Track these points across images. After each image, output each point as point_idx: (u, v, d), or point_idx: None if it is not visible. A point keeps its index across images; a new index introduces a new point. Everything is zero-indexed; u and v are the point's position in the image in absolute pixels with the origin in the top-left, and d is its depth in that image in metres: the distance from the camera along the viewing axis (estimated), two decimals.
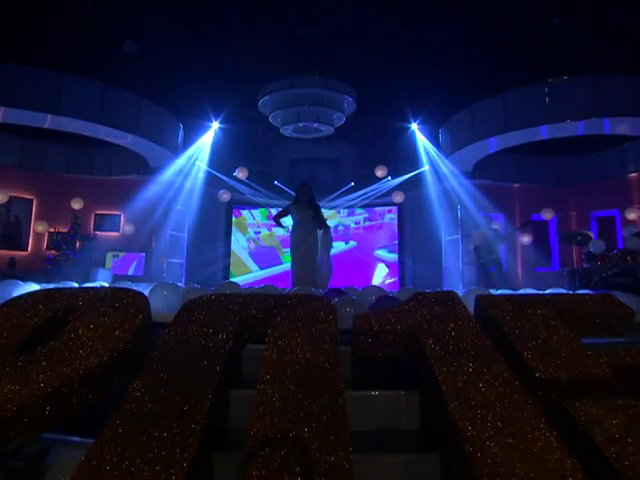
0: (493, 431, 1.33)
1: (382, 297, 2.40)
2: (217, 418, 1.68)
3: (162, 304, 2.60)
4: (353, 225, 12.41)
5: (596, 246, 6.41)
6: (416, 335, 1.91)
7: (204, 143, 10.40)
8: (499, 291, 3.64)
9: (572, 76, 7.37)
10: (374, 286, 3.05)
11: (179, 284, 6.03)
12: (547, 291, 3.44)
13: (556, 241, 11.05)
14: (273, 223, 6.31)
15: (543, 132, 8.26)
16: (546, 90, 7.44)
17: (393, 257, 11.99)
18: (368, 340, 1.95)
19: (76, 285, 3.36)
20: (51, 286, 2.95)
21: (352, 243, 12.12)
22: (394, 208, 12.04)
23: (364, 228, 12.43)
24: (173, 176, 9.75)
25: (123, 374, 1.79)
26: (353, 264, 11.84)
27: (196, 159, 10.33)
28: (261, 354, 1.84)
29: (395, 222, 12.10)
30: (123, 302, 2.10)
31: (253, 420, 1.43)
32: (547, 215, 9.07)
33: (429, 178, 10.85)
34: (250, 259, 12.09)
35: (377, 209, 12.23)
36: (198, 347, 1.85)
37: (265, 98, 8.93)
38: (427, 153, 10.83)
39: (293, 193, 6.26)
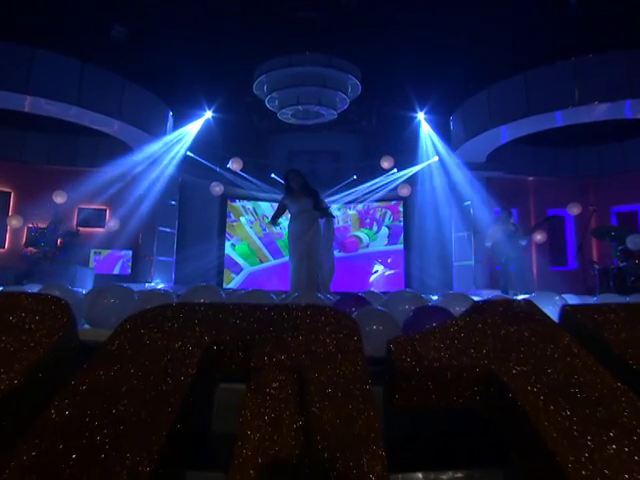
0: None
1: (423, 308, 1.65)
2: None
3: (110, 315, 1.85)
4: (342, 223, 11.71)
5: (635, 242, 5.67)
6: (495, 372, 1.17)
7: (191, 130, 9.61)
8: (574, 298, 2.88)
9: (602, 53, 6.61)
10: (407, 291, 2.30)
11: (135, 286, 5.29)
12: (629, 298, 2.69)
13: (573, 238, 10.34)
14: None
15: (559, 119, 7.52)
16: (573, 69, 6.69)
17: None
18: (413, 381, 1.20)
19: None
20: None
21: None
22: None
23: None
24: (159, 167, 8.98)
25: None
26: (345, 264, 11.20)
27: (187, 149, 9.57)
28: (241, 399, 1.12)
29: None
30: (26, 318, 1.35)
31: None
32: (574, 210, 8.29)
33: (437, 171, 10.12)
34: (264, 247, 11.42)
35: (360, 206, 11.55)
36: (133, 397, 1.10)
37: (261, 78, 8.11)
38: (435, 145, 10.09)
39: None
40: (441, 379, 1.18)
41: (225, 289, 10.56)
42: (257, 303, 1.46)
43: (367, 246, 11.47)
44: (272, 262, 11.24)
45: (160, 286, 8.47)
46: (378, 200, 11.17)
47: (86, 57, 7.69)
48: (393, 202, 11.30)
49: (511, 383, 1.14)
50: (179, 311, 1.41)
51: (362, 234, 11.50)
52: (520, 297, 3.03)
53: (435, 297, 2.73)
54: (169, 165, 9.10)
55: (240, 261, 11.20)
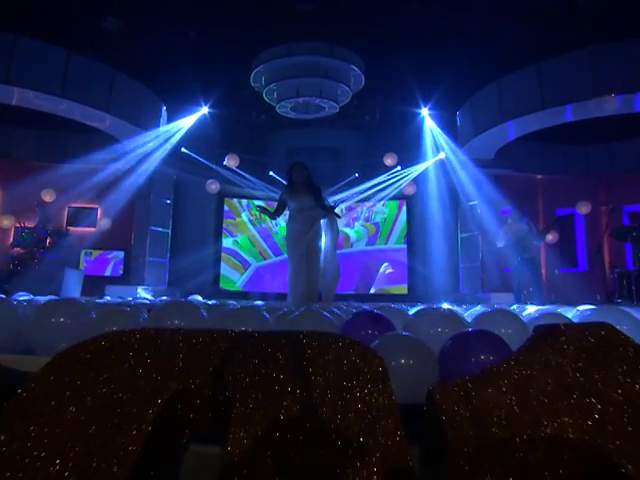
0: None
1: (465, 335, 1.23)
2: None
3: (59, 339, 1.45)
4: None
5: None
6: (600, 448, 0.78)
7: (186, 124, 9.21)
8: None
9: (620, 41, 6.21)
10: (437, 307, 1.88)
11: (127, 288, 4.94)
12: None
13: (584, 238, 9.98)
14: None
15: (569, 114, 7.14)
16: (589, 59, 6.30)
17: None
18: (473, 457, 0.81)
19: None
20: None
21: None
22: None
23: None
24: (153, 164, 8.59)
25: None
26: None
27: (181, 146, 9.17)
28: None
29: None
30: None
31: None
32: (583, 209, 7.93)
33: (442, 169, 9.74)
34: (263, 241, 11.12)
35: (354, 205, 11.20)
36: (56, 475, 0.72)
37: (259, 69, 7.70)
38: (439, 142, 9.70)
39: None
40: (517, 454, 0.79)
41: (224, 289, 10.23)
42: (244, 330, 1.06)
43: (352, 245, 11.17)
44: (278, 258, 10.93)
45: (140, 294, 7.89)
46: (381, 199, 10.82)
47: (74, 47, 7.30)
48: (372, 201, 10.97)
49: (622, 461, 0.75)
50: (134, 341, 1.02)
51: (351, 232, 11.19)
52: (560, 308, 2.63)
53: (476, 308, 2.28)
54: (162, 162, 8.71)
55: (246, 257, 11.00)
